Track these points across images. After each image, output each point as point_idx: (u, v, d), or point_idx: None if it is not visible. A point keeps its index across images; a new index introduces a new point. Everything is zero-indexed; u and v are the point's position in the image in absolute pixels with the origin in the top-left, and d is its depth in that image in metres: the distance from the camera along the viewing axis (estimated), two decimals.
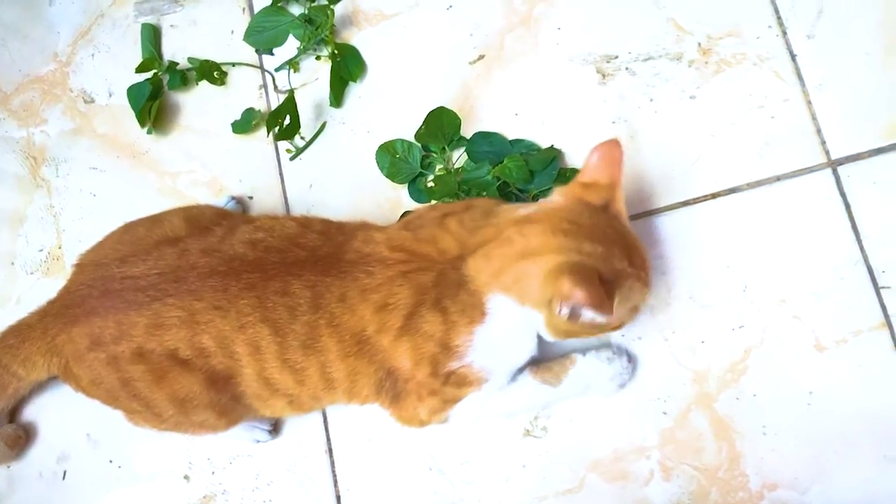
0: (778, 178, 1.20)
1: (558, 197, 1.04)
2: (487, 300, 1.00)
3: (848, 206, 1.16)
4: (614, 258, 0.97)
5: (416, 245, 1.05)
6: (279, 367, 1.05)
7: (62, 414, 1.35)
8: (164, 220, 1.16)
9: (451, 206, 1.13)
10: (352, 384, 1.08)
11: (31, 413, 1.37)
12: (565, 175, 1.24)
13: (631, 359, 1.17)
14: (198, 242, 1.08)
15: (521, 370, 1.12)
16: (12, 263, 1.47)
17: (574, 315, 0.96)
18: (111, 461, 1.33)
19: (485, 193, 1.25)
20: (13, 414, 1.35)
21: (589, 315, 0.96)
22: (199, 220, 1.15)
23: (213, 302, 1.03)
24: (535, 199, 1.24)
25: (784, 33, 1.25)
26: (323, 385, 1.07)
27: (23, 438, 1.35)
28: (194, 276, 1.04)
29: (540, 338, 1.07)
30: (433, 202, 1.28)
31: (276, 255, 1.05)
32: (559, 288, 0.93)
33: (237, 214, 1.25)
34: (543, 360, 1.15)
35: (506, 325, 1.02)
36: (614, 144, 1.03)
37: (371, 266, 1.03)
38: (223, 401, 1.09)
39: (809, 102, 1.21)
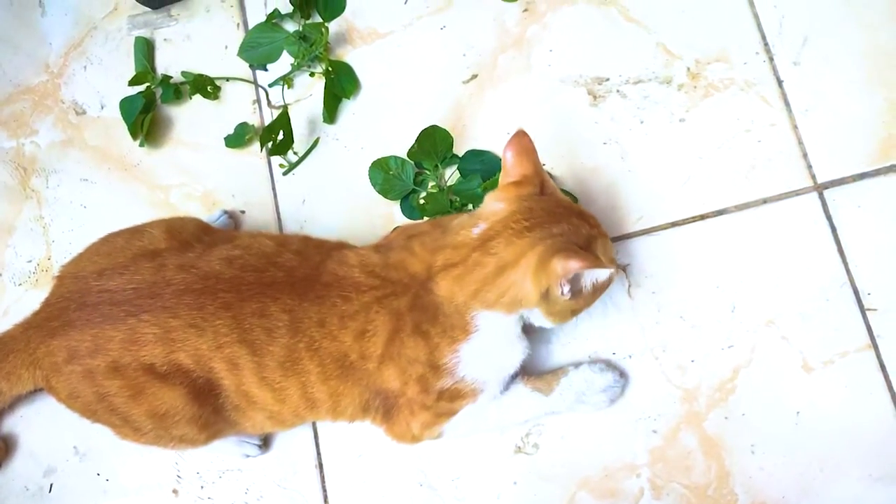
0: (765, 201, 1.22)
1: (499, 203, 1.04)
2: (472, 318, 1.02)
3: (834, 229, 1.19)
4: (579, 227, 1.02)
5: (386, 271, 1.06)
6: (257, 384, 1.05)
7: (49, 426, 1.34)
8: (144, 231, 1.15)
9: (419, 226, 1.16)
10: (335, 404, 1.08)
11: (17, 426, 1.36)
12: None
13: (622, 374, 1.18)
14: (175, 257, 1.08)
15: (513, 378, 1.13)
16: (0, 275, 1.45)
17: (576, 288, 1.00)
18: (98, 474, 1.31)
19: (473, 206, 1.27)
20: None
21: (591, 278, 1.00)
22: (180, 233, 1.14)
23: (188, 320, 1.02)
24: None
25: (771, 59, 1.28)
26: (305, 404, 1.08)
27: (2, 451, 1.33)
28: (170, 292, 1.03)
29: (531, 343, 1.10)
30: (426, 219, 1.29)
31: (253, 275, 1.05)
32: (553, 271, 0.96)
33: (220, 231, 1.24)
34: (536, 373, 1.17)
35: (493, 336, 1.04)
36: (521, 135, 1.06)
37: (346, 291, 1.04)
38: (204, 415, 1.08)
39: (796, 127, 1.24)
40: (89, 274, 1.09)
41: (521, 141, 1.06)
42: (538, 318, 1.05)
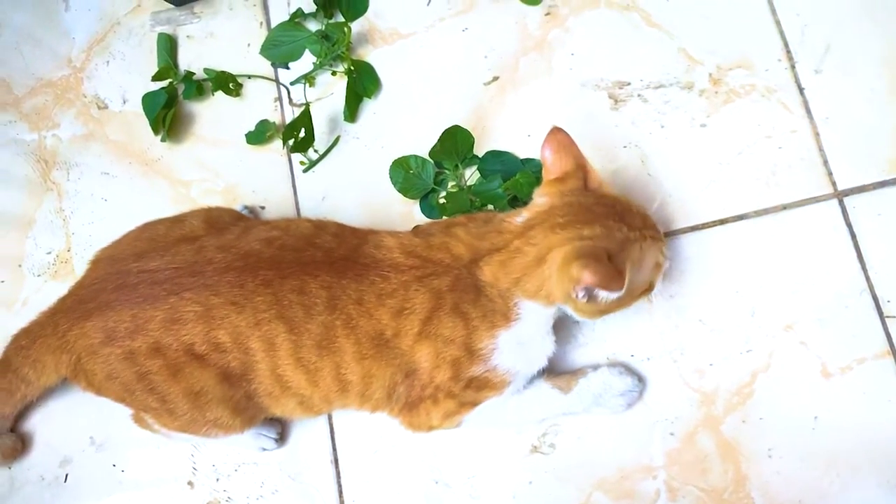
0: (785, 207, 1.23)
1: (542, 199, 1.06)
2: (515, 305, 1.04)
3: (854, 237, 1.19)
4: (613, 230, 1.01)
5: (429, 251, 1.07)
6: (293, 365, 1.06)
7: (65, 417, 1.34)
8: (184, 220, 1.18)
9: (453, 218, 1.17)
10: (365, 387, 1.09)
11: (35, 416, 1.36)
12: None
13: (641, 379, 1.18)
14: (215, 240, 1.10)
15: (534, 376, 1.14)
16: (20, 265, 1.46)
17: (591, 297, 1.00)
18: (114, 465, 1.31)
19: (493, 206, 1.27)
20: (16, 420, 1.34)
21: (603, 294, 0.99)
22: (217, 222, 1.17)
23: (229, 297, 1.04)
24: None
25: (793, 67, 1.28)
26: (336, 387, 1.08)
27: (18, 451, 1.33)
28: (211, 270, 1.05)
29: (557, 343, 1.12)
30: (446, 217, 1.30)
31: (292, 254, 1.07)
32: (571, 275, 0.97)
33: (254, 218, 1.28)
34: (556, 373, 1.18)
35: (531, 327, 1.06)
36: (556, 131, 1.07)
37: (385, 271, 1.05)
38: (237, 397, 1.09)
39: (817, 134, 1.25)
40: (128, 256, 1.10)
41: (557, 137, 1.07)
42: (574, 314, 1.07)
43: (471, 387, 1.07)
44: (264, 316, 1.04)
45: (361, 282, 1.05)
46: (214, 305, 1.04)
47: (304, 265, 1.06)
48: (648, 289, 1.09)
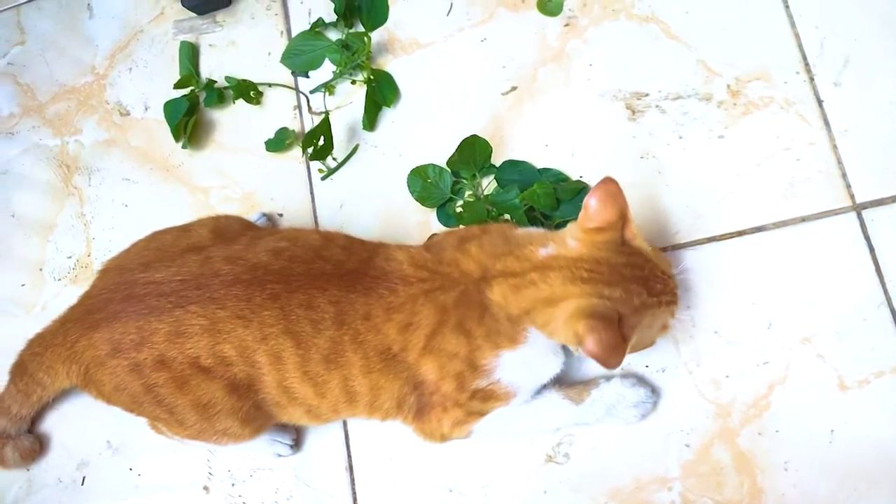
0: (803, 219, 1.22)
1: (574, 242, 1.03)
2: (524, 330, 1.03)
3: (872, 250, 1.19)
4: (633, 295, 0.99)
5: (437, 265, 1.07)
6: (300, 378, 1.06)
7: (83, 420, 1.36)
8: (192, 229, 1.18)
9: (468, 230, 1.16)
10: (374, 398, 1.09)
11: (51, 419, 1.38)
12: None
13: (655, 391, 1.18)
14: (222, 250, 1.09)
15: (545, 386, 1.14)
16: (41, 269, 1.48)
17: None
18: (131, 469, 1.33)
19: (510, 216, 1.27)
20: (34, 421, 1.35)
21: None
22: (225, 231, 1.16)
23: (235, 311, 1.03)
24: (557, 226, 1.26)
25: (811, 79, 1.28)
26: (344, 398, 1.09)
27: (37, 451, 1.35)
28: (217, 283, 1.04)
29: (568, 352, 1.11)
30: (460, 227, 1.30)
31: (301, 266, 1.06)
32: (576, 331, 0.96)
33: (263, 228, 1.26)
34: (568, 382, 1.18)
35: (538, 349, 1.05)
36: (609, 182, 1.02)
37: (393, 283, 1.05)
38: (245, 408, 1.09)
39: (835, 147, 1.24)
40: (136, 266, 1.10)
41: (608, 188, 1.02)
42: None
43: (476, 398, 1.07)
44: (271, 330, 1.03)
45: (370, 295, 1.04)
46: (220, 319, 1.03)
47: (313, 278, 1.05)
48: (649, 344, 1.09)
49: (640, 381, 1.18)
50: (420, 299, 1.04)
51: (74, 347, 1.11)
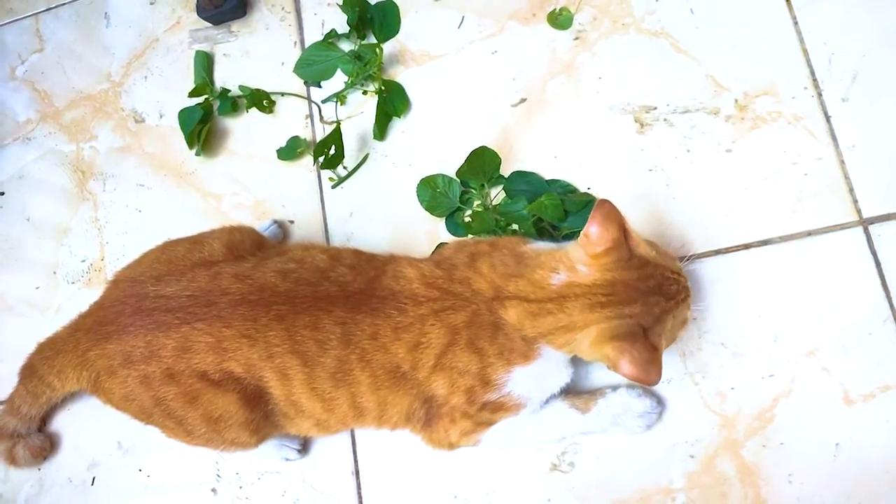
0: (810, 233, 1.23)
1: (585, 269, 1.02)
2: (539, 348, 1.04)
3: (878, 264, 1.19)
4: (652, 305, 1.01)
5: (449, 284, 1.07)
6: (307, 395, 1.07)
7: (94, 421, 1.37)
8: (204, 242, 1.18)
9: (477, 245, 1.15)
10: (382, 412, 1.10)
11: (63, 420, 1.40)
12: None
13: (660, 401, 1.19)
14: (231, 267, 1.10)
15: (553, 395, 1.14)
16: (54, 273, 1.50)
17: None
18: (140, 470, 1.34)
19: (518, 227, 1.29)
20: (44, 420, 1.37)
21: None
22: (238, 247, 1.17)
23: (241, 330, 1.04)
24: (565, 237, 1.27)
25: (819, 95, 1.29)
26: (353, 413, 1.10)
27: (47, 450, 1.37)
28: (225, 301, 1.06)
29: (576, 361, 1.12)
30: (468, 237, 1.31)
31: (307, 288, 1.07)
32: (605, 353, 0.99)
33: (273, 246, 1.25)
34: (575, 392, 1.18)
35: (550, 364, 1.07)
36: (602, 204, 1.02)
37: (402, 303, 1.05)
38: (256, 420, 1.10)
39: (843, 162, 1.25)
40: (147, 279, 1.11)
41: (604, 210, 1.02)
42: None
43: (485, 409, 1.08)
44: (276, 350, 1.04)
45: (377, 315, 1.05)
46: (226, 337, 1.04)
47: (318, 300, 1.06)
48: (672, 343, 1.09)
49: (646, 391, 1.19)
50: (430, 319, 1.04)
51: (86, 356, 1.13)
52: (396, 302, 1.05)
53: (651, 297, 1.01)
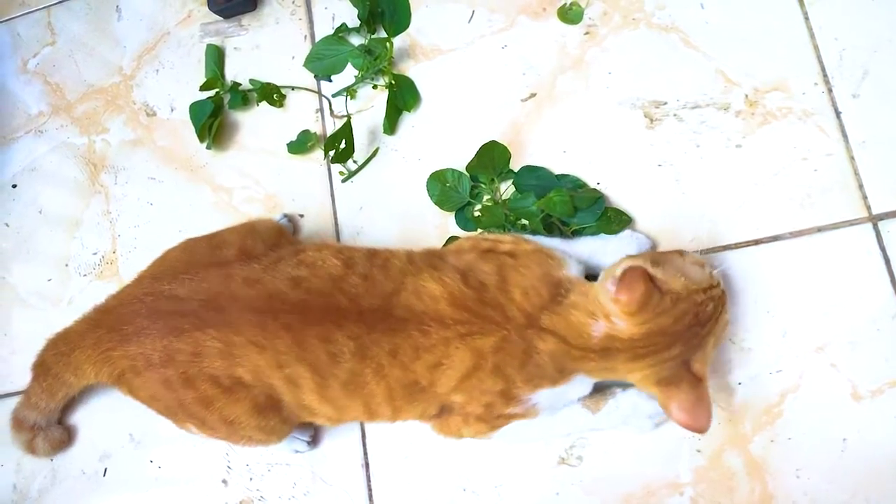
0: (819, 230, 1.23)
1: (622, 323, 1.00)
2: (573, 376, 1.06)
3: (887, 261, 1.19)
4: (692, 337, 1.02)
5: (481, 307, 1.03)
6: (318, 400, 1.08)
7: (106, 413, 1.39)
8: (223, 241, 1.18)
9: (500, 258, 1.11)
10: (395, 416, 1.11)
11: (76, 411, 1.41)
12: (608, 215, 1.28)
13: None
14: (243, 269, 1.09)
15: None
16: (66, 265, 1.51)
17: None
18: (151, 461, 1.36)
19: (528, 222, 1.29)
20: (64, 411, 1.38)
21: None
22: (254, 248, 1.16)
23: (250, 337, 1.04)
24: (574, 233, 1.27)
25: (830, 91, 1.29)
26: (366, 416, 1.11)
27: (65, 442, 1.39)
28: (235, 308, 1.05)
29: None
30: (478, 231, 1.32)
31: (319, 300, 1.05)
32: (653, 393, 1.04)
33: (290, 241, 1.24)
34: None
35: (577, 384, 1.08)
36: (629, 273, 0.98)
37: (426, 325, 1.02)
38: (270, 424, 1.13)
39: (852, 158, 1.25)
40: (166, 276, 1.12)
41: (629, 278, 0.98)
42: None
43: (502, 417, 1.09)
44: (285, 358, 1.04)
45: (396, 335, 1.02)
46: (235, 344, 1.04)
47: (329, 313, 1.04)
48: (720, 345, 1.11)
49: None
50: (455, 342, 1.02)
51: (109, 354, 1.13)
52: (419, 323, 1.02)
53: (688, 332, 1.01)
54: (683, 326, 1.01)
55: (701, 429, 1.01)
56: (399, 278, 1.07)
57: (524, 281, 1.06)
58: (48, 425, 1.36)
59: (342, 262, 1.09)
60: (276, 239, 1.21)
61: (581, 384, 1.09)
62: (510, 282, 1.06)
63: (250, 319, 1.04)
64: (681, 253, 1.10)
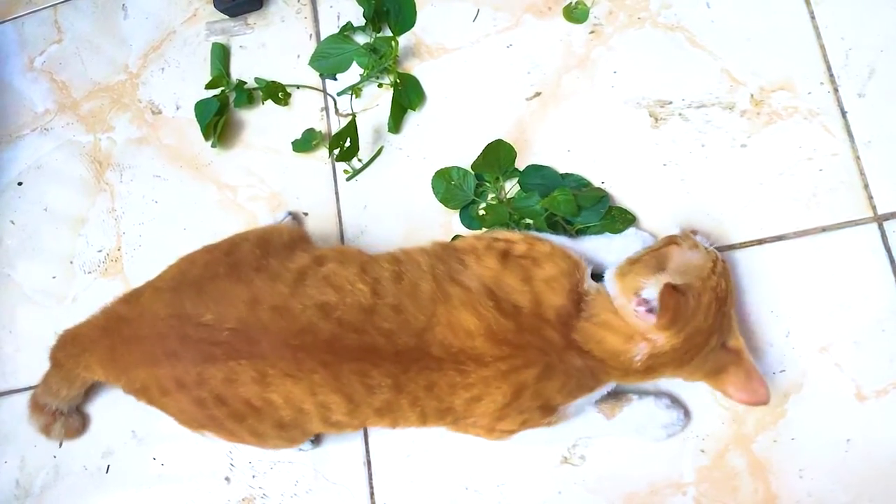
0: (824, 229, 1.23)
1: (661, 339, 1.01)
2: (608, 382, 1.09)
3: (892, 261, 1.19)
4: (719, 322, 1.05)
5: (519, 337, 1.01)
6: (348, 419, 1.08)
7: (109, 409, 1.39)
8: (238, 248, 1.16)
9: (519, 260, 1.10)
10: (421, 426, 1.11)
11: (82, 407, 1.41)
12: (612, 214, 1.28)
13: (687, 413, 1.19)
14: (267, 290, 1.07)
15: None
16: (71, 262, 1.52)
17: None
18: (154, 458, 1.36)
19: (532, 221, 1.29)
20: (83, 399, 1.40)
21: None
22: (270, 257, 1.14)
23: (285, 370, 1.03)
24: (579, 232, 1.27)
25: (835, 90, 1.28)
26: (390, 427, 1.12)
27: (80, 431, 1.40)
28: (267, 341, 1.03)
29: None
30: (484, 231, 1.32)
31: (352, 336, 1.02)
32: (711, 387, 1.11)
33: (307, 245, 1.22)
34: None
35: (607, 388, 1.11)
36: (665, 295, 0.98)
37: (465, 365, 1.00)
38: (295, 435, 1.15)
39: (858, 158, 1.24)
40: (187, 296, 1.09)
41: (665, 301, 0.98)
42: None
43: (525, 425, 1.09)
44: (321, 389, 1.03)
45: (432, 373, 1.01)
46: (270, 375, 1.04)
47: (365, 352, 1.01)
48: None
49: (675, 402, 1.18)
50: (496, 382, 1.01)
51: (133, 373, 1.13)
52: (457, 363, 1.00)
53: (717, 320, 1.04)
54: (713, 316, 1.03)
55: (763, 401, 1.04)
56: (430, 308, 1.03)
57: (556, 299, 1.04)
58: (70, 412, 1.37)
59: (370, 289, 1.05)
60: (293, 241, 1.20)
61: (608, 387, 1.11)
62: (544, 302, 1.04)
63: (284, 355, 1.03)
64: (675, 241, 1.09)
